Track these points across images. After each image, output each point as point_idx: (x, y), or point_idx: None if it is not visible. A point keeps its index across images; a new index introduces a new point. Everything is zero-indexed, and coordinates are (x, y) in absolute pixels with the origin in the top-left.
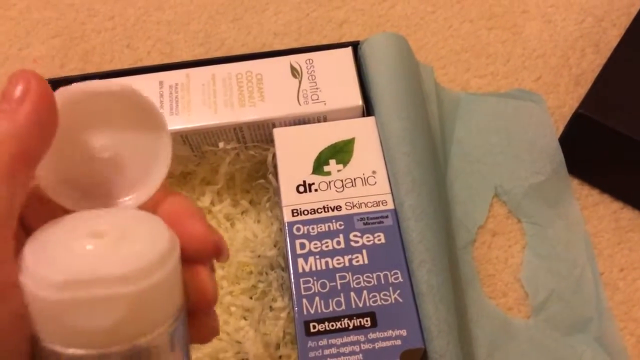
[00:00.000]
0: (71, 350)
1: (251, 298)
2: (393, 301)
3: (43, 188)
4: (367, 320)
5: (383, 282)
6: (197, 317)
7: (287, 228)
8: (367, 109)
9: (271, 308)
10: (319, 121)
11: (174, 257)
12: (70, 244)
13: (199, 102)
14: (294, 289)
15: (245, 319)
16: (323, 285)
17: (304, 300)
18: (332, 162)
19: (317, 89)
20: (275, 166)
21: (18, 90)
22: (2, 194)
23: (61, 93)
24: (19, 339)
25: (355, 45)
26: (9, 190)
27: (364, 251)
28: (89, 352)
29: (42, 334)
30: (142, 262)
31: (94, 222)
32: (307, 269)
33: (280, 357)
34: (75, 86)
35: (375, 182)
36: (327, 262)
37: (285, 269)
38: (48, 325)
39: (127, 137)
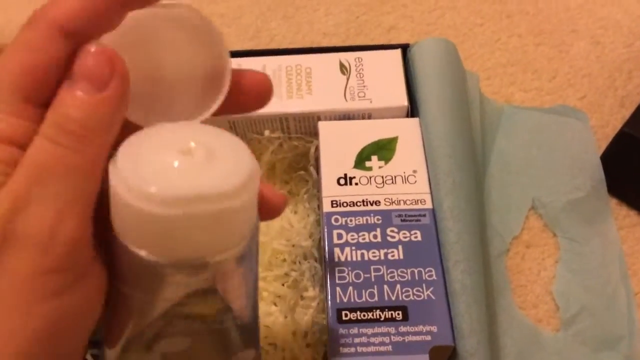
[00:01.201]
0: (151, 257)
1: (283, 285)
2: (425, 297)
3: None
4: (398, 314)
5: (417, 278)
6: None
7: (325, 218)
8: (412, 111)
9: (302, 297)
10: (363, 118)
11: (258, 178)
12: (164, 160)
13: None
14: (328, 277)
15: (275, 305)
16: (357, 276)
17: (338, 289)
18: (374, 158)
19: (364, 86)
20: (317, 159)
21: (104, 72)
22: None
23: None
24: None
25: (404, 48)
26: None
27: (400, 247)
28: (169, 262)
29: (125, 236)
30: (234, 181)
31: (181, 139)
32: (342, 258)
33: (307, 345)
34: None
35: (416, 181)
36: (362, 254)
37: (319, 258)
38: (135, 232)
39: (186, 55)
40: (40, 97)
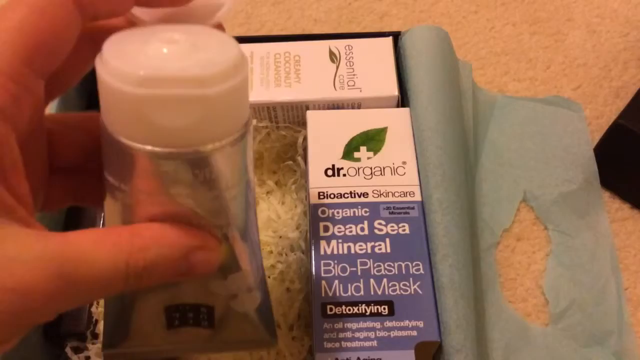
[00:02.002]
0: (139, 146)
1: (269, 277)
2: (412, 292)
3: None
4: (384, 308)
5: (404, 272)
6: None
7: (312, 210)
8: (402, 101)
9: (288, 289)
10: (353, 108)
11: (245, 70)
12: (147, 47)
13: None
14: (313, 270)
15: None
16: (343, 270)
17: (323, 282)
18: (363, 149)
19: (354, 75)
20: (305, 149)
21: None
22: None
23: None
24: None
25: (396, 36)
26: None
27: (387, 240)
28: (155, 149)
29: (114, 127)
30: (217, 67)
31: (167, 31)
32: (328, 251)
33: (293, 338)
34: None
35: (405, 173)
36: (349, 247)
37: (306, 250)
38: (121, 119)
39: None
40: (44, 65)
